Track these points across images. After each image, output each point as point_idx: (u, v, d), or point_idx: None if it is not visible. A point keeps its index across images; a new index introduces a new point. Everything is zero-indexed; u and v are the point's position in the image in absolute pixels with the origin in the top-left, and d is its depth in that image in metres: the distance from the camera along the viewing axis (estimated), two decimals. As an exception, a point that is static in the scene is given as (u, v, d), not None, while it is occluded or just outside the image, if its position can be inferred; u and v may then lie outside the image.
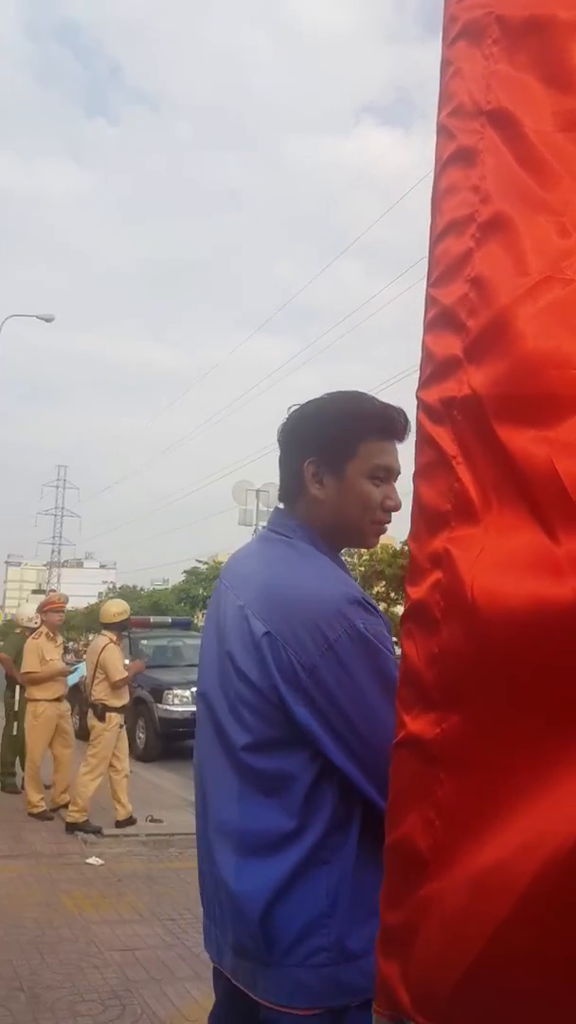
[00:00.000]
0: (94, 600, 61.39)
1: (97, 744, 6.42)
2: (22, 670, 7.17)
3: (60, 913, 4.47)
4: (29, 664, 6.99)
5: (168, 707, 10.36)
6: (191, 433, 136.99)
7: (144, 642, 12.40)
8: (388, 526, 1.44)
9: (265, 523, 1.50)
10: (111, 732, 6.45)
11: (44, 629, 7.26)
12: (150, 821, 6.56)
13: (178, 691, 10.46)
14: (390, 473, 1.40)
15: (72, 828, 6.27)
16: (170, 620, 14.26)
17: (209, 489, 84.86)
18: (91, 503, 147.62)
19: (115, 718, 6.48)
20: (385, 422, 1.39)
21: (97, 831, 6.23)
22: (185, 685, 10.49)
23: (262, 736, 1.24)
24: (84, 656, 10.20)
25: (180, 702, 10.33)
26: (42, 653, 7.00)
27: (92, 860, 5.58)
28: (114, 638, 6.67)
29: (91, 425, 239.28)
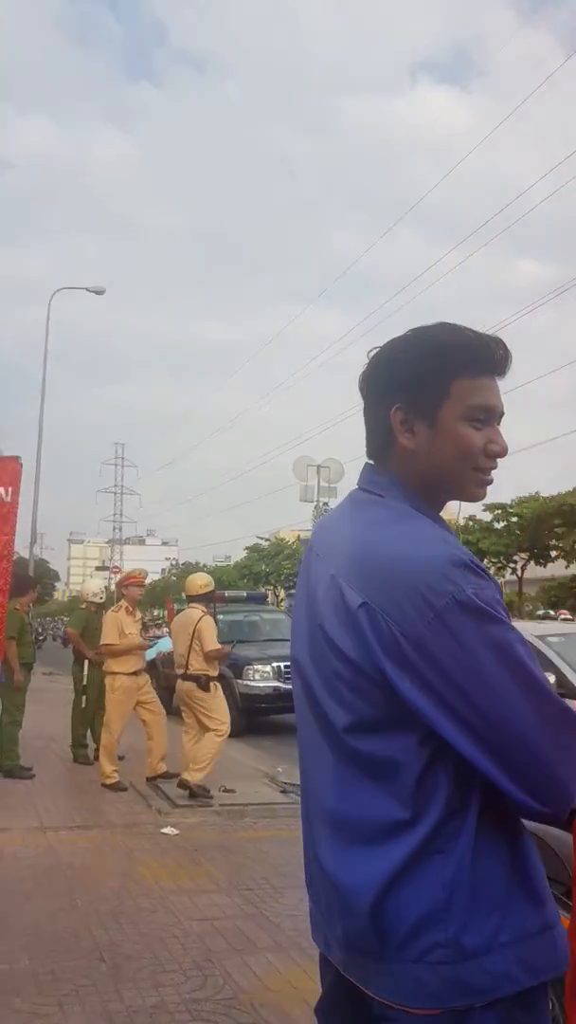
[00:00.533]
0: (157, 576, 62.37)
1: (216, 711, 6.43)
2: (102, 642, 7.18)
3: (137, 883, 4.44)
4: (109, 636, 7.01)
5: (249, 683, 10.30)
6: (249, 408, 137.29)
7: (220, 617, 12.43)
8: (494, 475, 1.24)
9: (325, 500, 1.33)
10: (220, 698, 6.48)
11: (124, 603, 7.27)
12: (223, 791, 6.54)
13: (258, 666, 10.42)
14: (492, 414, 1.21)
15: (185, 786, 6.28)
16: (245, 594, 14.19)
17: (269, 466, 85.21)
18: (150, 480, 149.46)
19: (219, 687, 6.51)
20: (482, 354, 1.20)
21: (209, 796, 6.27)
22: (265, 660, 10.50)
23: (365, 716, 1.10)
24: (167, 631, 10.24)
25: (260, 677, 10.33)
26: (121, 626, 7.01)
27: (167, 830, 5.56)
28: (204, 609, 6.65)
29: (148, 402, 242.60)
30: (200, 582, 6.89)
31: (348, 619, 1.11)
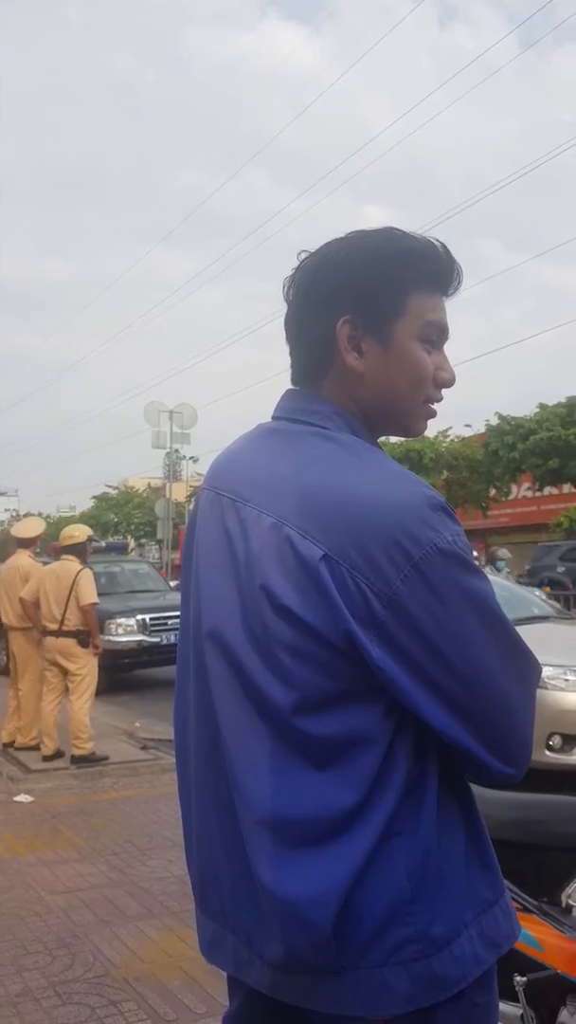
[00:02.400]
0: (-4, 529, 59.35)
1: (86, 669, 6.10)
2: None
3: (-9, 858, 4.15)
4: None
5: (112, 637, 9.70)
6: (94, 351, 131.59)
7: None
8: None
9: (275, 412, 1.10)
10: (95, 659, 6.18)
11: None
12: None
13: (121, 620, 9.95)
14: (443, 334, 1.07)
15: (80, 761, 5.93)
16: (104, 544, 13.53)
17: (117, 411, 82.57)
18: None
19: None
20: (439, 267, 1.05)
21: (105, 758, 6.00)
22: (128, 613, 10.04)
23: (318, 691, 0.92)
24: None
25: (124, 631, 9.88)
26: None
27: (21, 798, 5.26)
28: (81, 561, 6.23)
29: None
30: (75, 532, 6.47)
31: (303, 575, 0.92)
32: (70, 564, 6.20)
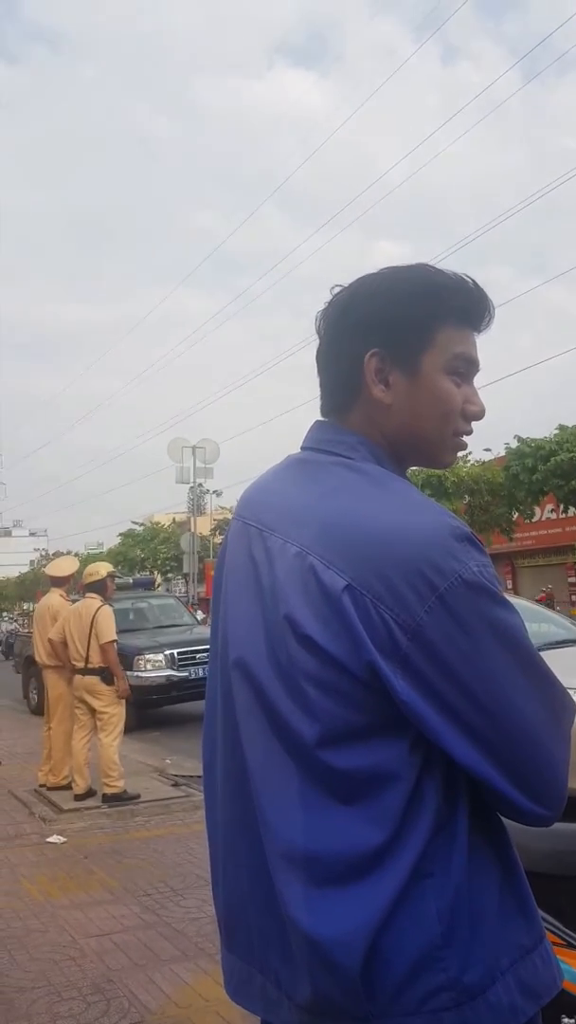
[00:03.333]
0: (25, 569, 59.83)
1: (113, 707, 6.10)
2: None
3: (24, 901, 4.11)
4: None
5: (140, 674, 9.72)
6: (118, 392, 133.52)
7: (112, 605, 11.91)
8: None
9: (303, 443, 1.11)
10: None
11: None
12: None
13: (150, 656, 9.94)
14: (473, 367, 1.07)
15: (111, 800, 5.93)
16: (131, 580, 13.59)
17: (141, 449, 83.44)
18: (15, 469, 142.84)
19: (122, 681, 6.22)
20: (470, 302, 1.06)
21: (136, 796, 5.99)
22: (156, 649, 10.05)
23: (342, 724, 0.90)
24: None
25: (153, 667, 9.86)
26: None
27: (53, 839, 5.22)
28: (102, 599, 6.30)
29: (9, 388, 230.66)
30: (95, 569, 6.53)
31: (326, 605, 0.91)
32: (91, 602, 6.27)
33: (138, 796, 6.02)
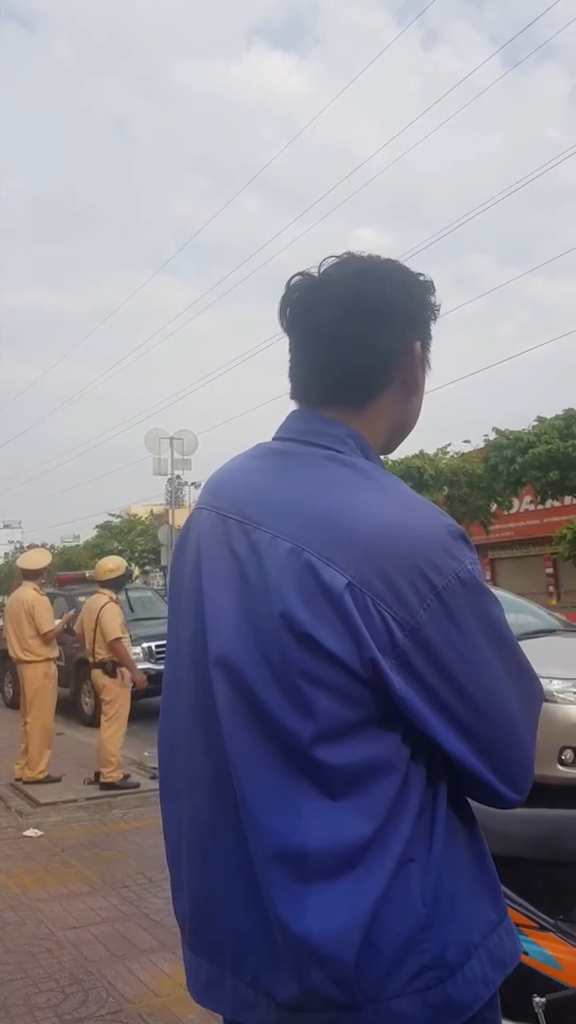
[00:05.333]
0: (0, 562, 59.29)
1: (118, 700, 6.26)
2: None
3: (1, 895, 4.10)
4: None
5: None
6: (94, 381, 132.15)
7: (81, 599, 11.83)
8: None
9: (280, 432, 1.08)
10: (127, 687, 6.33)
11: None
12: (88, 783, 6.23)
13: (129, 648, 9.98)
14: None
15: (109, 787, 6.04)
16: (86, 574, 13.53)
17: (118, 440, 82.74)
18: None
19: (126, 674, 6.35)
20: (436, 306, 1.13)
21: (136, 785, 6.09)
22: (134, 642, 10.02)
23: (339, 721, 0.90)
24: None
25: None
26: None
27: (30, 832, 5.21)
28: (112, 596, 6.41)
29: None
30: (109, 566, 6.64)
31: (326, 603, 0.89)
32: (99, 597, 6.46)
33: (137, 785, 6.13)
